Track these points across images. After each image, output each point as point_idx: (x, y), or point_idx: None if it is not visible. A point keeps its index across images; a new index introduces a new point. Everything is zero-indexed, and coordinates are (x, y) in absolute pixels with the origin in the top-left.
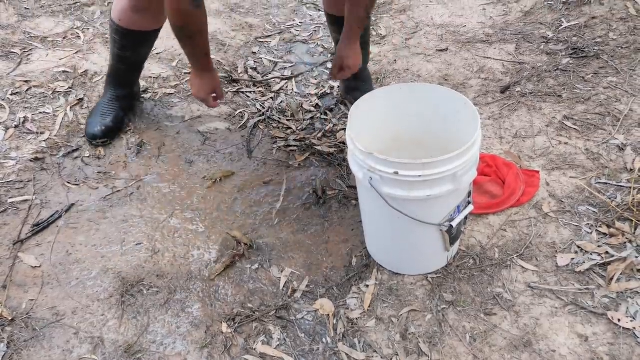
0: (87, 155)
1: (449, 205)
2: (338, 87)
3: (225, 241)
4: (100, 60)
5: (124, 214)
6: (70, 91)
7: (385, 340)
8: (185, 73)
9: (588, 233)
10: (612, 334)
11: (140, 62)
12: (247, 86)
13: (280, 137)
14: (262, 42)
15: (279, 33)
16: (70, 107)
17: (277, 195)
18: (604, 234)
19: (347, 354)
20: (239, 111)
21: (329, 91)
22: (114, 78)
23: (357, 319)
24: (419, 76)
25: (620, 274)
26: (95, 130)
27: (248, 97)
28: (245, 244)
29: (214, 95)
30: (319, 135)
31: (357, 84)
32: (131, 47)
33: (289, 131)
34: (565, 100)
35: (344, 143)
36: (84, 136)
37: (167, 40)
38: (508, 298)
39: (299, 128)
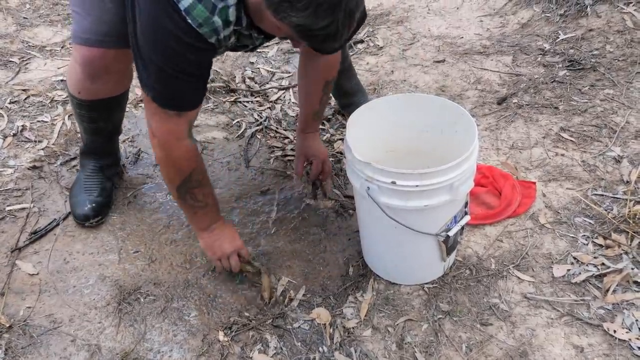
0: None
1: (445, 215)
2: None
3: None
4: None
5: (122, 222)
6: (68, 100)
7: (381, 349)
8: None
9: (584, 244)
10: (607, 345)
11: (117, 127)
12: (244, 96)
13: (278, 147)
14: (259, 52)
15: (276, 43)
16: (68, 116)
17: (274, 205)
18: (600, 245)
19: None
20: (236, 120)
21: None
22: (93, 150)
23: (353, 328)
24: (416, 87)
25: (616, 285)
26: (86, 210)
27: (245, 106)
28: (265, 301)
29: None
30: None
31: (348, 100)
32: (102, 117)
33: (286, 140)
34: (562, 112)
35: (341, 153)
36: (71, 215)
37: None
38: (504, 308)
39: (296, 138)
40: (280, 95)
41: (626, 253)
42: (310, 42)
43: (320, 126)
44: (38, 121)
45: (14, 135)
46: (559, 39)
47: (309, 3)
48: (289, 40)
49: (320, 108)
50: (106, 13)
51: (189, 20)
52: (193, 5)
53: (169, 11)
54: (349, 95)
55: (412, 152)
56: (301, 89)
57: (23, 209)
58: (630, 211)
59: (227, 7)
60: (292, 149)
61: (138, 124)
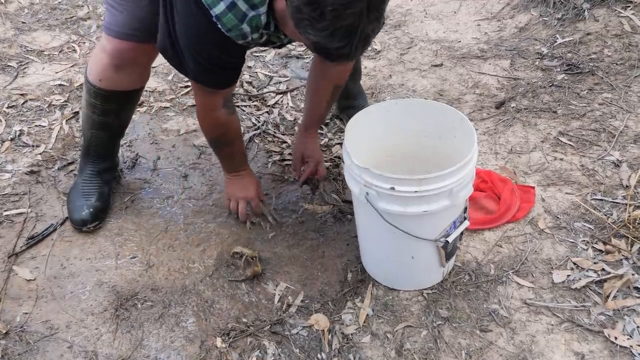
0: None
1: (444, 220)
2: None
3: (221, 254)
4: None
5: (119, 228)
6: (66, 104)
7: (380, 356)
8: (180, 87)
9: (584, 249)
10: (608, 352)
11: (124, 127)
12: (242, 100)
13: (276, 151)
14: (257, 56)
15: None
16: (66, 121)
17: (272, 209)
18: (600, 250)
19: None
20: None
21: None
22: (95, 150)
23: (352, 334)
24: (414, 91)
25: (617, 291)
26: (83, 215)
27: (243, 111)
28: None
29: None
30: None
31: (349, 102)
32: (115, 111)
33: (284, 145)
34: (561, 116)
35: (339, 157)
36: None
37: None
38: (504, 314)
39: (294, 142)
40: (278, 100)
41: (626, 258)
42: (324, 57)
43: (319, 131)
44: (36, 126)
45: (12, 139)
46: (556, 43)
47: (327, 25)
48: (290, 45)
49: (325, 111)
50: (141, 9)
51: (219, 26)
52: (223, 13)
53: (202, 15)
54: (351, 97)
55: (411, 157)
56: (309, 90)
57: (20, 214)
58: (630, 216)
59: (258, 15)
60: (290, 154)
61: (136, 129)
